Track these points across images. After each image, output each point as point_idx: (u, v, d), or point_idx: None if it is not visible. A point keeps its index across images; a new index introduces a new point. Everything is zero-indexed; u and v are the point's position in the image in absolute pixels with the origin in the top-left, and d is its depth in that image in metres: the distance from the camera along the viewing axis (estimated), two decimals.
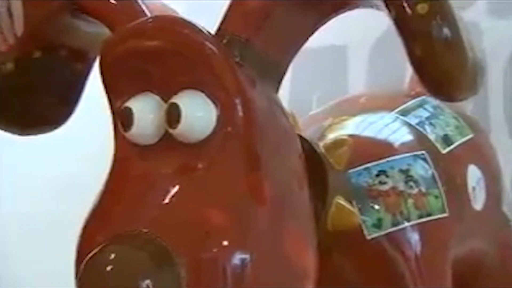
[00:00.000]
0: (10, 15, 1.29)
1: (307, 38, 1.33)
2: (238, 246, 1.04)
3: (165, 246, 1.01)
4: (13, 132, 1.41)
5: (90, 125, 1.36)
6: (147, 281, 0.99)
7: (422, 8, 1.14)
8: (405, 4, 1.14)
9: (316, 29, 1.33)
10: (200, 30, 1.14)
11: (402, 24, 1.15)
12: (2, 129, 1.41)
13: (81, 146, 1.35)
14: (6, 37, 1.28)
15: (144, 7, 1.26)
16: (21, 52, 1.32)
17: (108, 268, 1.03)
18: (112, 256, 1.03)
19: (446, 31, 1.15)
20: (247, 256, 1.04)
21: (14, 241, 2.02)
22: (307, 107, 2.02)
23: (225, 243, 1.02)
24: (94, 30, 1.30)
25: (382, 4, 1.19)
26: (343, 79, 2.50)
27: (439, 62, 1.18)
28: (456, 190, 1.56)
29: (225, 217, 1.06)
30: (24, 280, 2.20)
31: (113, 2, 1.27)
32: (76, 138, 1.40)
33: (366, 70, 2.55)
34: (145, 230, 1.03)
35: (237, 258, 1.03)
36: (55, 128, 1.44)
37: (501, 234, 1.79)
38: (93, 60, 1.34)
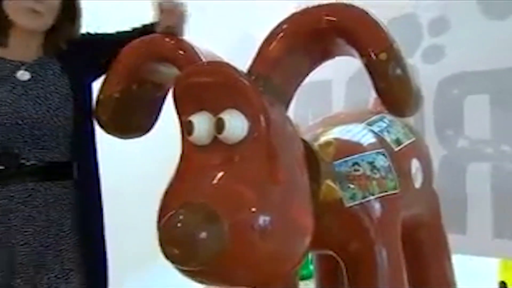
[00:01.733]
0: None
1: (305, 77, 1.41)
2: (261, 212, 1.15)
3: (214, 211, 1.12)
4: (117, 136, 1.49)
5: (165, 132, 1.40)
6: (203, 233, 1.11)
7: (383, 56, 1.24)
8: (372, 54, 1.24)
9: (311, 71, 1.42)
10: (237, 70, 1.25)
11: (370, 66, 1.25)
12: (110, 134, 1.48)
13: (159, 146, 1.38)
14: None
15: (201, 55, 1.35)
16: (123, 86, 1.40)
17: (179, 224, 1.15)
18: (180, 217, 1.14)
19: (399, 71, 1.25)
20: (267, 218, 1.15)
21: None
22: (305, 120, 2.06)
23: (253, 209, 1.15)
24: (168, 71, 1.36)
25: (356, 53, 1.28)
26: (329, 102, 2.58)
27: (395, 91, 1.28)
28: (403, 175, 1.62)
29: (253, 192, 1.17)
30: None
31: (181, 52, 1.36)
32: (156, 140, 1.45)
33: (344, 96, 2.59)
34: (201, 201, 1.16)
35: (261, 219, 1.14)
36: (143, 134, 1.53)
37: (432, 203, 1.87)
38: (168, 90, 1.41)
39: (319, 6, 1.32)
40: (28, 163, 1.31)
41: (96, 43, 1.43)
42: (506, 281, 3.05)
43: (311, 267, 2.17)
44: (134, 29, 1.45)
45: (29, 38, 1.36)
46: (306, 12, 1.33)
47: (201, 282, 1.30)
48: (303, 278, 1.78)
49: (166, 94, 1.44)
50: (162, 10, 1.33)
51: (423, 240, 1.79)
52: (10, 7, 1.29)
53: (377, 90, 1.28)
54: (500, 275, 3.04)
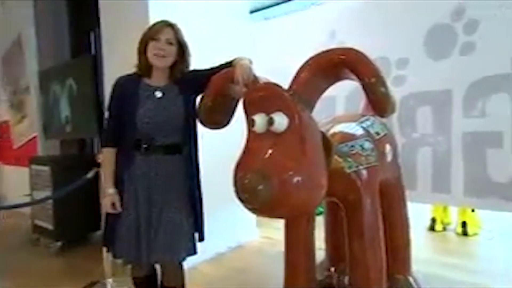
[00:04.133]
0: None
1: (323, 93, 1.42)
2: (296, 174, 1.19)
3: (268, 173, 1.18)
4: (209, 128, 1.52)
5: (236, 126, 1.41)
6: (261, 186, 1.18)
7: (373, 80, 1.26)
8: (366, 79, 1.27)
9: (326, 89, 1.42)
10: (281, 88, 1.29)
11: (365, 86, 1.27)
12: (206, 127, 1.51)
13: (233, 134, 1.40)
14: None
15: (259, 79, 1.39)
16: (213, 98, 1.45)
17: (246, 181, 1.22)
18: (248, 177, 1.22)
19: (383, 89, 1.27)
20: (299, 178, 1.20)
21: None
22: (320, 121, 2.04)
23: (291, 173, 1.20)
24: (239, 89, 1.38)
25: (356, 78, 1.30)
26: (333, 109, 2.56)
27: (380, 101, 1.30)
28: (380, 154, 1.64)
29: (291, 162, 1.21)
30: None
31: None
32: (231, 131, 1.45)
33: (343, 106, 2.59)
34: (259, 167, 1.22)
35: (295, 178, 1.19)
36: (224, 127, 1.55)
37: (397, 171, 1.86)
38: (238, 100, 1.44)
39: (335, 49, 1.36)
40: (158, 144, 1.38)
41: (197, 76, 1.45)
42: (435, 217, 3.11)
43: (321, 209, 2.20)
44: (218, 67, 1.45)
45: (160, 72, 1.41)
46: (326, 52, 1.36)
47: (258, 215, 1.35)
48: (317, 214, 1.80)
49: (237, 102, 1.47)
50: (240, 79, 1.32)
51: (391, 193, 1.81)
52: (148, 54, 1.35)
53: (369, 100, 1.31)
54: (431, 214, 3.12)
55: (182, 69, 1.43)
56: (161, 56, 1.35)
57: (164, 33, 1.35)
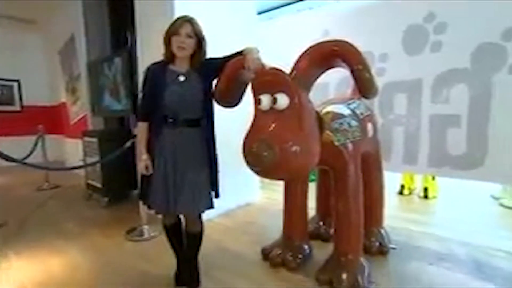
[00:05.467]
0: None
1: (318, 78, 1.35)
2: (294, 144, 1.16)
3: (271, 143, 1.14)
4: (223, 107, 1.45)
5: (246, 104, 1.37)
6: (265, 153, 1.13)
7: (360, 66, 1.19)
8: (354, 66, 1.20)
9: (321, 75, 1.35)
10: (284, 73, 1.23)
11: (353, 72, 1.21)
12: (220, 105, 1.44)
13: (243, 110, 1.35)
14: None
15: (265, 66, 1.29)
16: (227, 81, 1.37)
17: (254, 149, 1.17)
18: (255, 145, 1.18)
19: (368, 74, 1.21)
20: (297, 147, 1.16)
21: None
22: (316, 103, 2.01)
23: (290, 143, 1.15)
24: (248, 74, 1.31)
25: (346, 66, 1.23)
26: (326, 94, 2.45)
27: (365, 86, 1.23)
28: (363, 130, 1.58)
29: (290, 134, 1.17)
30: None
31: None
32: (241, 108, 1.40)
33: (334, 91, 2.48)
34: (264, 137, 1.18)
35: (294, 148, 1.15)
36: (236, 105, 1.48)
37: (376, 145, 1.81)
38: (247, 83, 1.37)
39: (329, 41, 1.28)
40: (181, 118, 1.35)
41: (213, 63, 1.39)
42: (404, 184, 3.08)
43: (313, 177, 2.16)
44: (230, 55, 1.38)
45: (182, 60, 1.35)
46: (321, 44, 1.29)
47: (262, 177, 1.31)
48: (310, 181, 1.77)
49: (246, 85, 1.41)
50: (250, 66, 1.27)
51: (371, 162, 1.77)
52: (172, 45, 1.30)
53: (356, 84, 1.24)
54: (401, 181, 3.10)
55: (200, 58, 1.36)
56: (182, 48, 1.30)
57: (184, 28, 1.29)
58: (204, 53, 1.39)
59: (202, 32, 1.35)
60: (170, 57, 1.34)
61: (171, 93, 1.31)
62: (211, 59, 1.41)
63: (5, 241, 2.16)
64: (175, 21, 1.31)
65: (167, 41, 1.32)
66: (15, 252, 1.99)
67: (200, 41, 1.34)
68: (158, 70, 1.35)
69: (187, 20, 1.31)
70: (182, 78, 1.34)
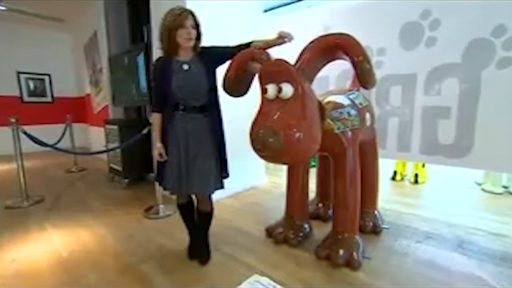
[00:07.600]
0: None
1: (320, 70, 1.30)
2: (298, 131, 1.12)
3: (276, 129, 1.10)
4: (231, 96, 1.42)
5: (253, 94, 1.33)
6: (270, 139, 1.09)
7: (360, 58, 1.13)
8: (355, 57, 1.14)
9: (323, 67, 1.30)
10: (289, 64, 1.18)
11: (354, 63, 1.15)
12: (228, 94, 1.41)
13: (250, 100, 1.30)
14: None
15: (271, 57, 1.25)
16: (235, 71, 1.33)
17: (260, 135, 1.13)
18: (261, 131, 1.13)
19: (368, 66, 1.15)
20: (301, 134, 1.12)
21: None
22: (317, 93, 1.95)
23: (294, 130, 1.11)
24: (256, 65, 1.27)
25: (347, 58, 1.18)
26: (327, 86, 2.39)
27: (365, 76, 1.17)
28: (362, 119, 1.53)
29: (294, 122, 1.13)
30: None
31: (263, 57, 1.26)
32: (248, 98, 1.36)
33: (335, 83, 2.41)
34: (269, 125, 1.13)
35: (297, 134, 1.11)
36: (243, 95, 1.44)
37: (373, 133, 1.75)
38: (255, 74, 1.33)
39: (331, 34, 1.22)
40: (190, 105, 1.31)
41: (219, 52, 1.34)
42: (397, 170, 3.04)
43: (314, 163, 2.12)
44: (236, 46, 1.35)
45: (186, 50, 1.30)
46: (324, 37, 1.23)
47: (268, 161, 1.28)
48: (311, 167, 1.74)
49: (254, 76, 1.36)
50: (289, 35, 1.27)
51: (368, 149, 1.72)
52: (178, 37, 1.24)
53: (357, 74, 1.18)
54: (394, 168, 3.05)
55: (198, 45, 1.31)
56: (190, 39, 1.25)
57: (189, 20, 1.24)
58: (200, 43, 1.33)
59: (198, 20, 1.30)
60: (173, 48, 1.28)
61: (177, 81, 1.27)
62: (215, 47, 1.36)
63: (44, 215, 2.24)
64: (176, 14, 1.23)
65: (174, 33, 1.24)
66: (51, 224, 2.06)
67: (198, 29, 1.29)
68: (164, 62, 1.30)
69: (190, 12, 1.25)
70: (186, 67, 1.29)
